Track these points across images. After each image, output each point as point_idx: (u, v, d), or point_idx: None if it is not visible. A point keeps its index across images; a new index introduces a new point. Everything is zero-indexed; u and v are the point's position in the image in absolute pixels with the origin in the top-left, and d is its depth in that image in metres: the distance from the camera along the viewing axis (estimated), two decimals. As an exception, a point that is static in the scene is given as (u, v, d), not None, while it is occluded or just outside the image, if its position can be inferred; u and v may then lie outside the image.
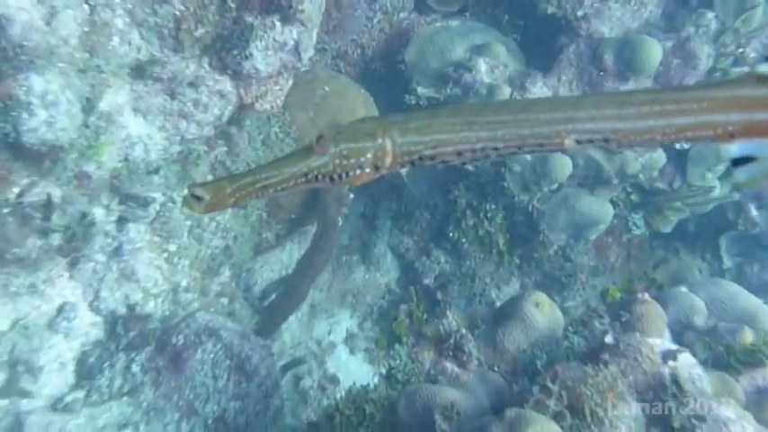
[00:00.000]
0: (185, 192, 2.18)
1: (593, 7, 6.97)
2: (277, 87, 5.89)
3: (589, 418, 3.39)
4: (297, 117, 6.62)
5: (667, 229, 7.29)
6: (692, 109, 1.94)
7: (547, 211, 6.91)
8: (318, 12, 5.85)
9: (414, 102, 7.11)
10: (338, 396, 4.43)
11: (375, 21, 7.59)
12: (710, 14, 7.06)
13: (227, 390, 5.38)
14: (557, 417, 3.40)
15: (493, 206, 6.97)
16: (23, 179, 4.98)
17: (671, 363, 3.73)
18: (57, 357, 5.30)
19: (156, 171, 5.62)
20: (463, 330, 4.39)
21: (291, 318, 6.80)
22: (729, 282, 5.19)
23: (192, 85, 5.51)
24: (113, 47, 5.12)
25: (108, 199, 5.49)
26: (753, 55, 7.02)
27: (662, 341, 3.99)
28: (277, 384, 5.64)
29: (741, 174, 1.96)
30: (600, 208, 6.85)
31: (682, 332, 4.47)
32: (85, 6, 4.97)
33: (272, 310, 6.62)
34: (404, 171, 7.01)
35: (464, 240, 7.11)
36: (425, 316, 4.87)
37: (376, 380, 4.69)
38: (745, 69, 4.80)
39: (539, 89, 6.87)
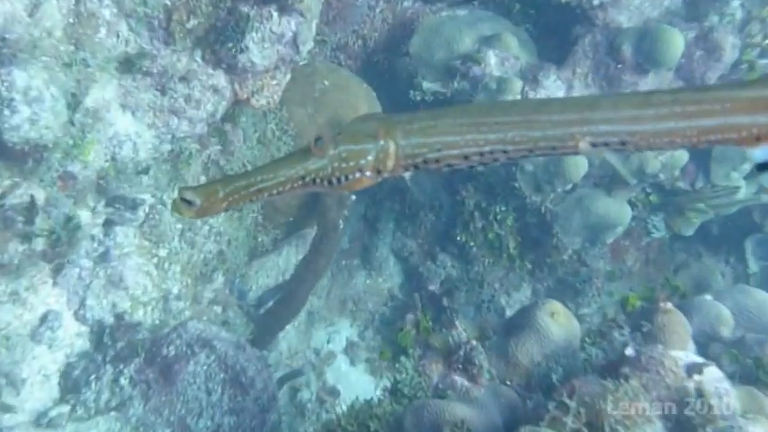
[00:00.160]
0: (175, 195, 2.17)
1: (611, -6, 7.03)
2: (274, 82, 5.83)
3: (609, 437, 3.40)
4: (295, 113, 6.60)
5: (689, 232, 7.24)
6: (714, 110, 1.90)
7: (560, 212, 6.87)
8: (318, 1, 5.84)
9: (419, 97, 7.08)
10: (339, 410, 4.42)
11: (377, 10, 7.53)
12: (736, 2, 6.96)
13: (221, 404, 5.36)
14: (574, 435, 3.39)
15: (503, 207, 6.95)
16: (5, 180, 4.96)
17: (696, 377, 3.61)
18: (40, 369, 5.28)
19: (146, 171, 5.59)
20: (473, 341, 4.32)
21: (288, 326, 6.78)
22: (757, 289, 5.10)
23: (184, 79, 5.45)
24: (100, 39, 5.09)
25: (94, 201, 5.47)
26: (781, 46, 7.09)
27: (686, 354, 3.91)
28: (274, 398, 5.67)
29: None
30: (617, 210, 6.81)
31: (707, 344, 4.36)
32: (70, -4, 5.00)
33: (268, 318, 6.59)
34: (407, 175, 7.04)
35: (472, 244, 7.09)
36: (432, 325, 4.87)
37: (379, 393, 4.65)
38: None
39: (552, 83, 6.81)
